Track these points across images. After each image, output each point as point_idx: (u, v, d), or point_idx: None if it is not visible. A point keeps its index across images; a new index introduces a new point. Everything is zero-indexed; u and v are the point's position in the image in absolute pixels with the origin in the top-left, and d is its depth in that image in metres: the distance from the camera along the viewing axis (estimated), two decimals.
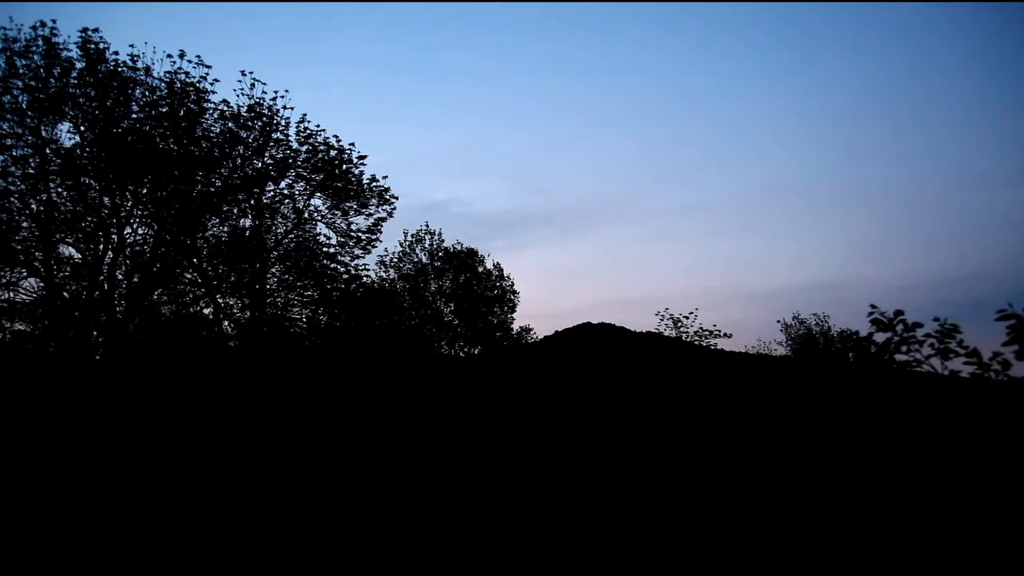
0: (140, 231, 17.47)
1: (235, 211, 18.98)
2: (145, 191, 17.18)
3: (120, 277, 17.23)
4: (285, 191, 19.44)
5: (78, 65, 15.86)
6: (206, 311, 19.51)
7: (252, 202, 19.10)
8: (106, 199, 16.86)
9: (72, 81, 15.90)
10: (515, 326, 29.06)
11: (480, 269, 28.30)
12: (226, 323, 19.23)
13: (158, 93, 16.85)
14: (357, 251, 20.28)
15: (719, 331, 24.39)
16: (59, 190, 16.45)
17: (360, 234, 20.23)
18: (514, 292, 29.01)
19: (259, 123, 18.17)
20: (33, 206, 16.27)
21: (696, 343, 23.36)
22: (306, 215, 19.73)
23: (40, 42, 15.55)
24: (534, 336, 30.03)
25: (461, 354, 27.70)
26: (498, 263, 28.91)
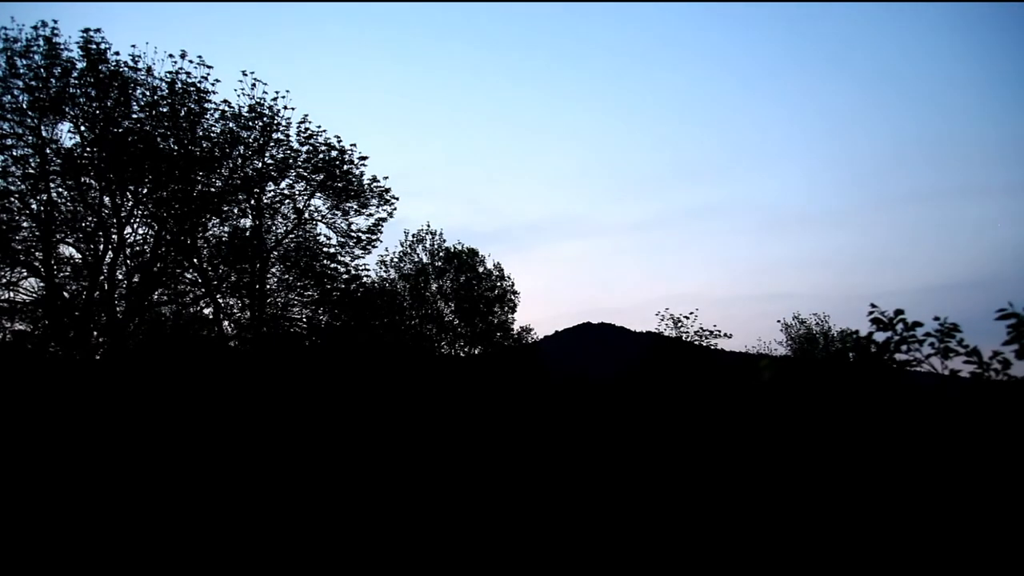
0: (140, 231, 17.48)
1: (235, 211, 18.97)
2: (145, 191, 17.17)
3: (120, 277, 17.22)
4: (285, 191, 19.45)
5: (79, 65, 15.84)
6: (206, 311, 19.52)
7: (252, 202, 19.09)
8: (106, 199, 16.86)
9: (73, 81, 15.88)
10: (515, 326, 29.04)
11: (481, 269, 28.27)
12: (226, 323, 19.24)
13: (159, 93, 16.84)
14: (357, 251, 20.29)
15: (719, 331, 24.34)
16: (59, 190, 16.45)
17: (360, 234, 20.23)
18: (514, 292, 28.99)
19: (260, 123, 18.16)
20: (33, 206, 16.27)
21: (696, 343, 23.35)
22: (306, 215, 19.73)
23: (41, 42, 15.53)
24: (534, 336, 30.00)
25: (461, 354, 27.68)
26: (498, 263, 28.88)
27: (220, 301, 18.84)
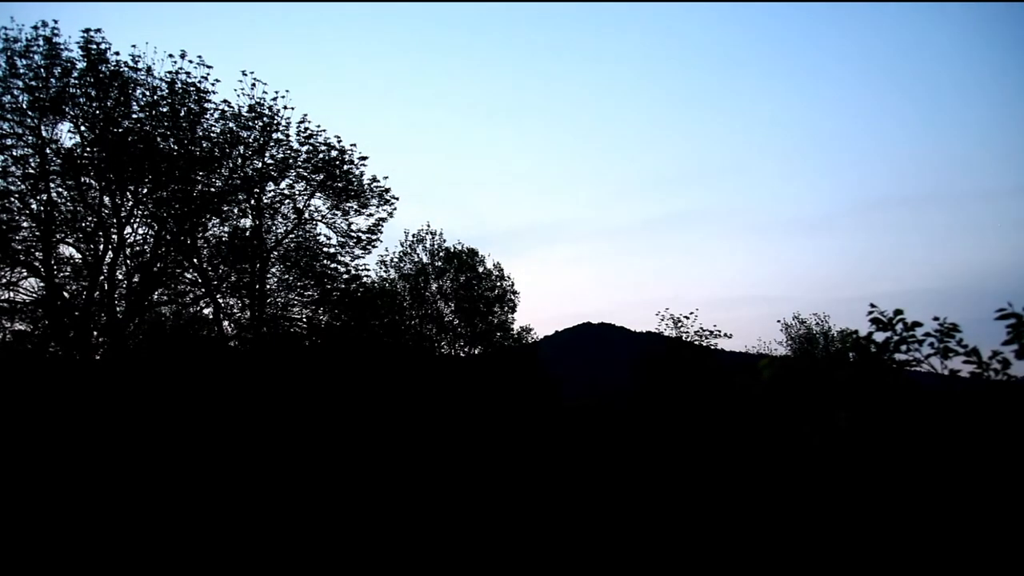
0: (140, 231, 17.47)
1: (235, 211, 18.97)
2: (145, 191, 17.16)
3: (120, 277, 17.22)
4: (285, 191, 19.44)
5: (79, 65, 15.82)
6: (206, 311, 19.52)
7: (252, 202, 19.09)
8: (106, 199, 16.85)
9: (73, 81, 15.87)
10: (515, 326, 29.05)
11: (481, 269, 28.28)
12: (226, 323, 19.23)
13: (159, 93, 16.82)
14: (357, 251, 20.28)
15: (719, 331, 24.34)
16: (59, 190, 16.45)
17: (360, 234, 20.23)
18: (514, 292, 29.00)
19: (260, 123, 18.15)
20: (33, 206, 16.26)
21: (696, 343, 23.36)
22: (306, 215, 19.73)
23: (41, 42, 15.51)
24: (534, 336, 30.01)
25: (461, 354, 27.69)
26: (498, 263, 28.89)
27: (220, 301, 18.84)
